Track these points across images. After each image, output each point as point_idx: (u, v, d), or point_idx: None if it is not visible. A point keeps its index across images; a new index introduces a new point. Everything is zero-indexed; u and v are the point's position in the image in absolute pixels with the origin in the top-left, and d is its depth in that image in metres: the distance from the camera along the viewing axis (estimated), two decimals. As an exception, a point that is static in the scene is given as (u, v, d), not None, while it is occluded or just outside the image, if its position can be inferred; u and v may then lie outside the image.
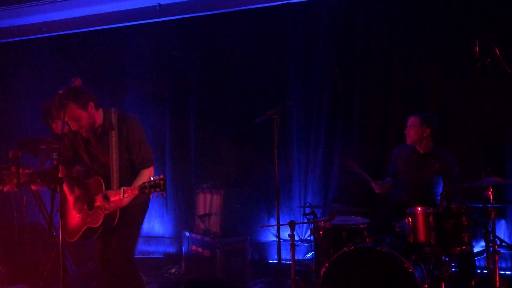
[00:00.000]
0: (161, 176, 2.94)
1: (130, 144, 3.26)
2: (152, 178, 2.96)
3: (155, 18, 5.63)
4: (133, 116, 3.35)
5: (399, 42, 4.90)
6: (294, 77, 5.26)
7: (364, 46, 5.02)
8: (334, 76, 4.29)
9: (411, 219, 3.49)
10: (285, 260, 4.94)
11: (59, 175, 3.35)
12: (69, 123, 3.22)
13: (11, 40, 6.07)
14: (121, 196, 3.07)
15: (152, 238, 5.73)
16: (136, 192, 3.03)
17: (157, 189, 2.93)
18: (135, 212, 3.31)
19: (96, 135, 3.28)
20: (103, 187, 3.19)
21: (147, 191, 2.95)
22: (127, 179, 3.25)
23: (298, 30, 5.27)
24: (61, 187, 3.01)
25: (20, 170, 4.34)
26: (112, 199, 3.10)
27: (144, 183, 2.98)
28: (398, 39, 4.91)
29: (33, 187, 4.53)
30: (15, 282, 4.82)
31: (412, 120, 4.18)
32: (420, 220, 3.43)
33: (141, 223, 3.42)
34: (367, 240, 3.52)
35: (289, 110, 5.18)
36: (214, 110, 5.56)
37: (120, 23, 5.75)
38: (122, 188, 3.08)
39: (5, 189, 4.45)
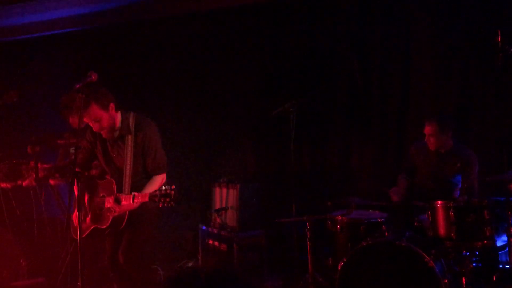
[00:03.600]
0: (173, 186, 2.91)
1: (146, 149, 3.26)
2: (163, 187, 2.93)
3: (166, 14, 5.61)
4: (150, 122, 3.35)
5: (419, 34, 4.81)
6: (311, 70, 5.20)
7: (383, 38, 4.94)
8: (352, 69, 4.26)
9: (431, 213, 3.43)
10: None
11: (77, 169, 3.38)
12: (90, 124, 3.23)
13: (29, 36, 6.12)
14: (131, 201, 3.07)
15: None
16: (146, 199, 3.02)
17: (167, 199, 2.90)
18: (146, 217, 3.29)
19: (114, 137, 3.29)
20: (115, 190, 3.20)
21: (156, 199, 2.93)
22: (140, 183, 3.25)
23: (316, 22, 5.20)
24: (79, 181, 3.03)
25: (39, 165, 4.39)
26: (122, 202, 3.10)
27: (155, 191, 2.96)
28: (417, 30, 4.81)
29: (52, 182, 4.59)
30: (35, 275, 4.90)
31: (430, 129, 4.00)
32: (440, 214, 3.37)
33: (153, 228, 3.40)
34: (386, 234, 3.47)
35: (305, 103, 5.13)
36: (230, 104, 5.54)
37: (133, 18, 5.74)
38: (133, 194, 3.07)
39: (24, 183, 4.51)
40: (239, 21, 5.45)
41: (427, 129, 4.04)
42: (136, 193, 3.07)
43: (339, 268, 3.42)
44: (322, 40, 5.17)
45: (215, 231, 4.93)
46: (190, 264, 5.16)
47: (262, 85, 5.37)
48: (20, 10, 5.63)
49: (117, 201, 3.10)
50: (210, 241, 4.98)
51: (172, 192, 2.89)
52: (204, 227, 5.08)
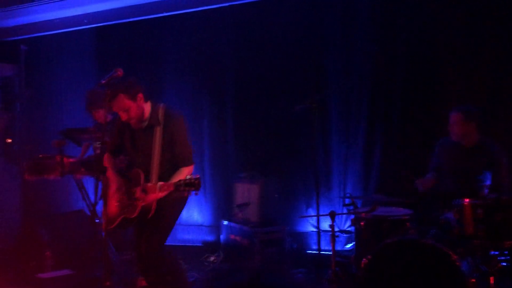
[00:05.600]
0: (197, 176, 2.96)
1: (173, 141, 3.29)
2: (188, 177, 2.98)
3: (193, 8, 5.63)
4: (179, 114, 3.38)
5: (444, 27, 4.70)
6: (333, 65, 5.14)
7: (407, 31, 4.84)
8: (376, 61, 4.17)
9: (458, 211, 3.35)
10: (324, 250, 4.88)
11: (105, 162, 3.42)
12: (118, 113, 3.27)
13: (55, 32, 6.22)
14: (158, 191, 3.11)
15: (191, 227, 5.79)
16: (172, 188, 3.07)
17: (192, 188, 2.95)
18: (172, 206, 3.34)
19: (142, 127, 3.32)
20: (142, 180, 3.23)
21: (181, 189, 2.97)
22: (167, 174, 3.28)
23: (337, 16, 5.14)
24: (104, 175, 3.07)
25: (64, 159, 4.46)
26: (149, 192, 3.15)
27: (180, 181, 3.00)
28: (443, 23, 4.70)
29: (77, 176, 4.66)
30: (61, 266, 4.99)
31: (455, 117, 3.91)
32: (468, 212, 3.29)
33: (177, 217, 3.43)
34: (411, 232, 3.42)
35: (328, 99, 5.09)
36: (252, 100, 5.53)
37: (159, 13, 5.78)
38: (159, 184, 3.12)
39: (50, 177, 4.58)
40: (261, 14, 5.42)
41: (452, 117, 3.94)
42: (162, 183, 3.11)
43: (362, 265, 3.39)
44: (343, 31, 5.11)
45: (237, 226, 4.95)
46: (212, 259, 5.18)
47: (285, 79, 5.33)
48: (51, 6, 5.73)
49: (144, 191, 3.15)
50: (232, 236, 5.00)
51: (197, 181, 2.93)
52: (226, 222, 5.10)
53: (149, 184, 3.18)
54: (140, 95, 3.23)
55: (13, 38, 6.40)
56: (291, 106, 4.53)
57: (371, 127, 4.97)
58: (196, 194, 2.97)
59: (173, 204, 3.35)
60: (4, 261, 5.13)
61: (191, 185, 2.94)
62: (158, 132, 3.26)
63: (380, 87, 4.93)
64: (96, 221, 4.05)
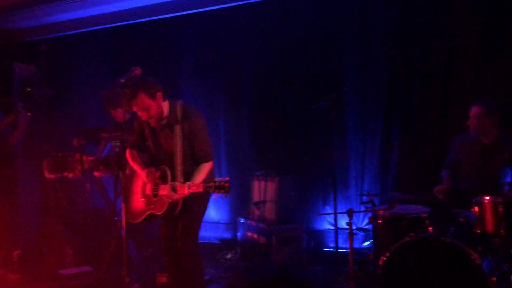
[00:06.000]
0: (227, 178, 3.00)
1: (193, 138, 3.33)
2: (217, 179, 3.03)
3: (210, 6, 5.65)
4: (197, 111, 3.41)
5: (462, 25, 4.63)
6: (350, 62, 5.12)
7: (424, 28, 4.79)
8: (392, 59, 4.12)
9: (478, 208, 3.31)
10: (341, 248, 4.87)
11: (128, 159, 3.47)
12: (138, 113, 3.31)
13: (73, 32, 6.31)
14: (187, 191, 3.15)
15: (208, 224, 5.82)
16: (201, 190, 3.11)
17: (222, 191, 3.00)
18: (198, 202, 3.38)
19: (161, 125, 3.36)
20: (169, 178, 3.27)
21: (211, 191, 3.03)
22: (190, 170, 3.33)
23: (355, 14, 5.11)
24: (124, 173, 3.11)
25: (84, 157, 4.53)
26: (178, 191, 3.19)
27: (210, 183, 3.04)
28: (461, 19, 4.64)
29: (96, 174, 4.72)
30: (81, 263, 5.06)
31: (477, 110, 3.84)
32: (488, 209, 3.25)
33: (204, 211, 3.49)
34: (429, 229, 3.39)
35: (345, 96, 5.06)
36: (269, 98, 5.53)
37: (176, 12, 5.81)
38: (188, 184, 3.16)
39: (70, 175, 4.66)
40: (278, 12, 5.42)
41: (473, 110, 3.86)
42: (191, 183, 3.16)
43: (380, 263, 3.37)
44: (360, 28, 5.07)
45: (254, 223, 4.96)
46: (228, 256, 5.21)
47: (302, 77, 5.32)
48: (71, 6, 5.81)
49: (173, 189, 3.21)
50: (249, 233, 5.02)
51: (227, 184, 2.98)
52: (243, 220, 5.12)
53: (178, 183, 3.22)
54: (159, 94, 3.27)
55: (34, 39, 6.51)
56: (308, 104, 4.53)
57: (388, 124, 4.93)
58: (225, 197, 3.01)
59: (201, 200, 3.40)
60: (27, 257, 5.23)
61: (221, 188, 2.99)
62: (178, 130, 3.30)
63: (397, 84, 4.89)
64: (116, 218, 4.10)
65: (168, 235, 3.47)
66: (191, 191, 3.14)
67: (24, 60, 6.24)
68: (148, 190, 3.41)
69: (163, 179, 3.31)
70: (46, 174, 4.71)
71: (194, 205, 3.36)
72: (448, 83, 4.70)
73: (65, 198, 5.65)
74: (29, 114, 4.92)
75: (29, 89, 6.03)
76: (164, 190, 3.25)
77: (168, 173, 3.29)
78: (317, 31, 5.23)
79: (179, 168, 3.27)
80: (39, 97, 6.13)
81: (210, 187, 3.02)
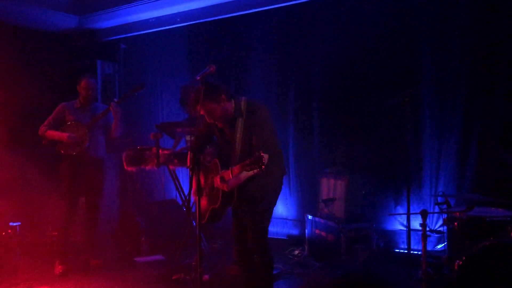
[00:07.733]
0: (261, 151, 2.92)
1: (254, 129, 3.30)
2: (254, 156, 2.95)
3: (280, 3, 5.67)
4: (261, 104, 3.41)
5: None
6: (428, 58, 4.89)
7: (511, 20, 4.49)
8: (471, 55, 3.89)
9: None
10: (413, 250, 4.72)
11: (188, 163, 3.53)
12: (205, 116, 3.39)
13: (150, 31, 6.58)
14: (230, 175, 3.17)
15: (276, 219, 5.87)
16: (239, 170, 3.08)
17: (255, 166, 2.92)
18: (262, 192, 3.36)
19: (228, 123, 3.40)
20: (219, 168, 3.32)
21: (248, 168, 2.98)
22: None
23: (434, 7, 4.88)
24: (199, 167, 3.21)
25: (160, 151, 4.72)
26: (225, 178, 3.22)
27: (246, 161, 3.00)
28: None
29: (171, 166, 4.92)
30: (154, 252, 5.31)
31: None
32: None
33: (272, 203, 3.46)
34: (511, 234, 3.20)
35: (421, 93, 4.87)
36: (339, 94, 5.46)
37: (247, 10, 5.88)
38: (231, 168, 3.17)
39: (147, 167, 4.88)
40: (351, 7, 5.32)
41: None
42: (233, 167, 3.16)
43: (455, 267, 3.24)
44: (439, 22, 4.85)
45: (322, 221, 4.94)
46: (296, 252, 5.23)
47: (375, 73, 5.19)
48: (148, 6, 6.08)
49: (222, 178, 3.26)
50: (317, 231, 5.00)
51: (260, 160, 2.89)
52: (311, 217, 5.11)
53: (224, 170, 3.25)
54: (223, 96, 3.29)
55: (113, 38, 6.88)
56: (381, 101, 4.41)
57: (467, 122, 4.68)
58: (258, 172, 2.94)
59: (265, 189, 3.37)
60: (106, 244, 5.57)
61: (255, 163, 2.91)
62: (240, 123, 3.31)
63: (479, 81, 4.61)
64: (192, 210, 4.21)
65: (237, 227, 3.50)
66: (233, 174, 3.13)
67: (105, 58, 6.62)
68: (207, 187, 3.51)
69: (215, 171, 3.37)
70: (125, 166, 4.96)
71: (260, 200, 3.36)
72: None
73: (142, 189, 5.95)
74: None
75: (110, 85, 6.40)
76: (217, 182, 3.32)
77: (218, 164, 3.32)
78: (393, 26, 5.03)
79: (236, 156, 3.27)
80: (119, 93, 6.49)
81: (246, 164, 2.98)
